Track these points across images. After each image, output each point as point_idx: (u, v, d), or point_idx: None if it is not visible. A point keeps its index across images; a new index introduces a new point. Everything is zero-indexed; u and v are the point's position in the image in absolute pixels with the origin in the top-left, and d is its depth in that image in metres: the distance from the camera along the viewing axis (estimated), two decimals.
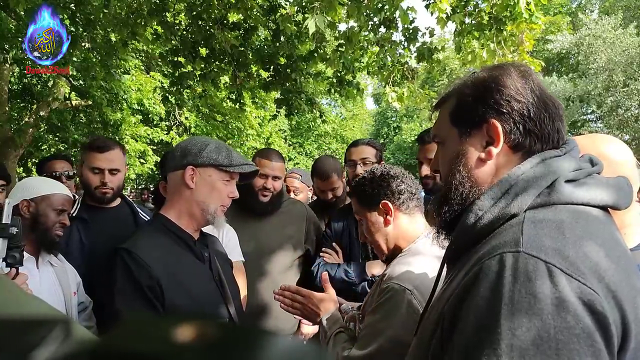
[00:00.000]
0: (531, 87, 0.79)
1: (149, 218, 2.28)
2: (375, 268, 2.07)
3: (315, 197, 3.22)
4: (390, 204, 1.32)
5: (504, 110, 0.78)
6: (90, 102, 8.98)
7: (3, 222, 1.39)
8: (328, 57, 4.91)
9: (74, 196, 2.07)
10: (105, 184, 2.09)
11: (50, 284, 1.72)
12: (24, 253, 1.56)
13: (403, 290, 1.17)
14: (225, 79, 5.89)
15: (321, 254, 2.22)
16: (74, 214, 2.07)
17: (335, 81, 5.31)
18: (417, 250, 1.29)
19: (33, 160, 11.52)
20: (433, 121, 0.93)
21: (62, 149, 10.33)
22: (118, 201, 2.22)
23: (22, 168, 11.03)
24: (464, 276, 0.72)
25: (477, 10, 4.30)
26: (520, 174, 0.75)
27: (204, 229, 1.56)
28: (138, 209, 2.28)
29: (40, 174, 2.90)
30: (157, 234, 1.38)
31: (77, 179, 2.66)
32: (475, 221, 0.76)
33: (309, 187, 3.14)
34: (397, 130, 27.96)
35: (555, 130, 0.79)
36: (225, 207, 1.45)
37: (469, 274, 0.70)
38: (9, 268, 1.42)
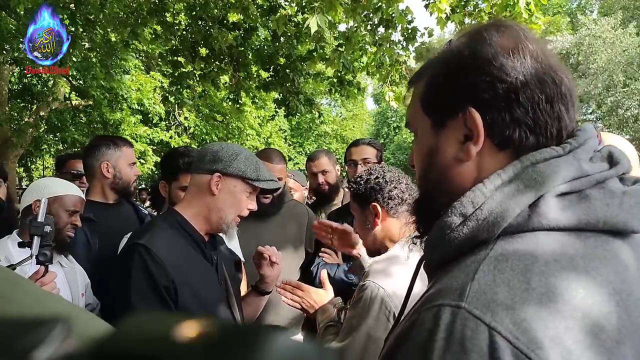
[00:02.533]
0: (521, 60, 0.58)
1: (148, 214, 2.28)
2: None
3: (311, 199, 3.23)
4: (379, 207, 1.38)
5: (485, 95, 0.58)
6: (90, 102, 8.98)
7: (38, 220, 1.39)
8: (327, 57, 4.92)
9: None
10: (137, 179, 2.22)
11: (59, 284, 1.72)
12: None
13: (377, 288, 1.23)
14: (225, 78, 5.90)
15: (321, 254, 2.23)
16: None
17: (335, 81, 5.31)
18: (397, 252, 1.37)
19: (33, 160, 11.52)
20: (407, 104, 0.74)
21: (62, 149, 10.33)
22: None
23: (22, 168, 11.03)
24: (411, 314, 0.57)
25: (477, 10, 4.30)
26: (499, 184, 0.56)
27: None
28: (136, 205, 2.28)
29: (59, 170, 2.84)
30: (172, 231, 1.37)
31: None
32: (441, 240, 0.59)
33: (303, 186, 3.15)
34: (397, 130, 27.97)
35: (554, 117, 0.58)
36: (241, 217, 1.46)
37: (409, 320, 0.55)
38: (38, 265, 1.42)
